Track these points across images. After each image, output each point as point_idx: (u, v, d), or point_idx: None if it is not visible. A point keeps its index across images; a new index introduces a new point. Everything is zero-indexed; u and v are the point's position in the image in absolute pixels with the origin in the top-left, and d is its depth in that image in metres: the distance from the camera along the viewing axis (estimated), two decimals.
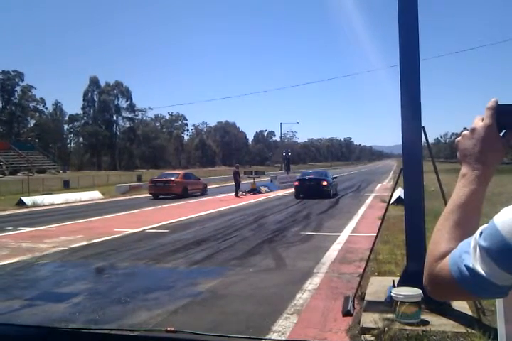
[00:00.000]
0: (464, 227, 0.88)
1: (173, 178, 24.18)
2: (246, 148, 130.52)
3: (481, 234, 0.79)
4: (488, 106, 0.90)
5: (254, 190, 26.33)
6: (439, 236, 0.90)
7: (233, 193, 24.40)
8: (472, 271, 0.78)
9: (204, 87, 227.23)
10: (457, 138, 0.97)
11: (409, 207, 5.17)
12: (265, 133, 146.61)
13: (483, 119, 0.91)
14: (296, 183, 22.75)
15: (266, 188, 27.95)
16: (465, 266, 0.80)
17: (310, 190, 21.69)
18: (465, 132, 0.96)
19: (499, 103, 0.90)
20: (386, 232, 9.61)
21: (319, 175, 23.51)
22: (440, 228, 0.91)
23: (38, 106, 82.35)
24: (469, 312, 4.61)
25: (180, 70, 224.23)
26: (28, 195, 23.54)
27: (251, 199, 22.20)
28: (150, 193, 24.36)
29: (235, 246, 9.56)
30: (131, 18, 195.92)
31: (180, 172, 27.06)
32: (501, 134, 0.90)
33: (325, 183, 22.09)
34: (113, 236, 11.02)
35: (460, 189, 0.91)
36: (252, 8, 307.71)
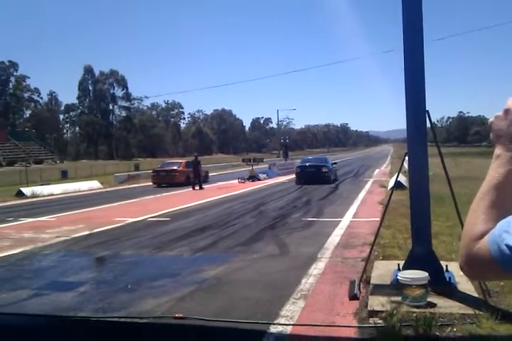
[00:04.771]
0: (500, 207, 0.88)
1: (175, 167, 24.27)
2: (243, 136, 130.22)
3: None
4: None
5: (253, 177, 26.37)
6: (474, 217, 0.90)
7: (235, 180, 24.36)
8: None
9: (200, 74, 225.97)
10: (490, 120, 0.96)
11: (415, 191, 5.17)
12: (262, 121, 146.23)
13: None
14: (297, 170, 22.95)
15: (264, 175, 27.97)
16: (506, 245, 0.80)
17: (311, 176, 21.85)
18: (498, 113, 0.95)
19: None
20: (387, 217, 9.63)
21: (319, 162, 23.66)
22: (475, 209, 0.91)
23: (33, 96, 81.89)
24: (475, 294, 4.66)
25: (175, 58, 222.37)
26: (27, 186, 23.50)
27: (250, 187, 22.23)
28: (153, 183, 24.39)
29: (238, 233, 9.59)
30: (124, 4, 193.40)
31: (182, 160, 27.05)
32: None
33: (325, 169, 22.27)
34: (115, 226, 11.03)
35: (494, 170, 0.91)
36: None
